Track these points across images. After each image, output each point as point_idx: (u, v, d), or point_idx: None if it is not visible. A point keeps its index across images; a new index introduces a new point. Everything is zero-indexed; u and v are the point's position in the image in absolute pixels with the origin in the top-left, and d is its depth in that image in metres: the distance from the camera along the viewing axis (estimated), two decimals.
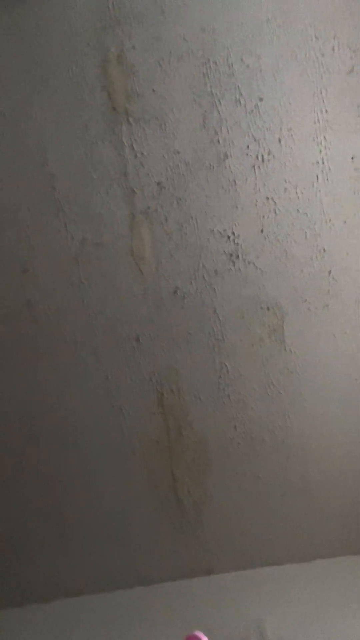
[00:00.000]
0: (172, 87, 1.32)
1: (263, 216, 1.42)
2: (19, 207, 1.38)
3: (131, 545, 1.70)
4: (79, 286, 1.44)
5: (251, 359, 1.54)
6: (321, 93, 1.35)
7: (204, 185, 1.39)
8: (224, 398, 1.57)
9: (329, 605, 1.59)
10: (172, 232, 1.42)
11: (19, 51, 1.29)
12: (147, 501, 1.66)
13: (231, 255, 1.45)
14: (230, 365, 1.54)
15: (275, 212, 1.42)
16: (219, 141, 1.36)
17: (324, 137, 1.38)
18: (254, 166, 1.38)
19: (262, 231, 1.43)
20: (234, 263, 1.45)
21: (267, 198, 1.41)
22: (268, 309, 1.50)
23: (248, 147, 1.37)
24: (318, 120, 1.36)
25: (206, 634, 1.52)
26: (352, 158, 1.40)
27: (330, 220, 1.44)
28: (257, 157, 1.38)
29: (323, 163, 1.39)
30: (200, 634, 1.22)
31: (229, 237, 1.43)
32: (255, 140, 1.37)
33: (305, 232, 1.44)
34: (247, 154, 1.37)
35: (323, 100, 1.35)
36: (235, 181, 1.39)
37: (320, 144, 1.38)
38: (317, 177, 1.40)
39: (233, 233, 1.43)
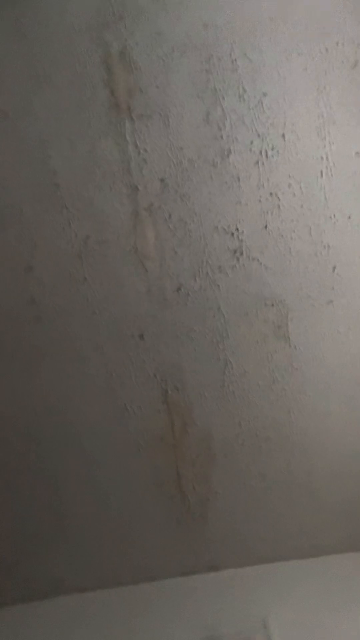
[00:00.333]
0: (175, 83, 1.32)
1: (267, 212, 1.42)
2: (22, 205, 1.38)
3: (135, 542, 1.70)
4: (83, 283, 1.44)
5: (255, 355, 1.53)
6: (325, 88, 1.34)
7: (207, 181, 1.38)
8: (228, 395, 1.57)
9: (333, 601, 1.59)
10: (175, 229, 1.42)
11: (20, 48, 1.29)
12: (152, 498, 1.66)
13: (235, 251, 1.44)
14: (235, 362, 1.54)
15: (279, 208, 1.42)
16: (222, 137, 1.36)
17: (328, 132, 1.37)
18: (257, 162, 1.38)
19: (266, 227, 1.43)
20: (237, 259, 1.45)
21: (271, 194, 1.40)
22: (272, 305, 1.50)
23: (252, 142, 1.36)
24: (322, 116, 1.36)
25: (211, 630, 1.52)
26: (357, 153, 1.39)
27: (334, 215, 1.43)
28: (260, 152, 1.37)
29: (327, 158, 1.39)
30: None
31: (232, 234, 1.43)
32: (258, 136, 1.36)
33: (310, 228, 1.44)
34: (250, 150, 1.37)
35: (327, 96, 1.35)
36: (238, 177, 1.39)
37: (324, 139, 1.37)
38: (321, 172, 1.40)
39: (237, 229, 1.43)
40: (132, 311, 1.47)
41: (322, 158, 1.39)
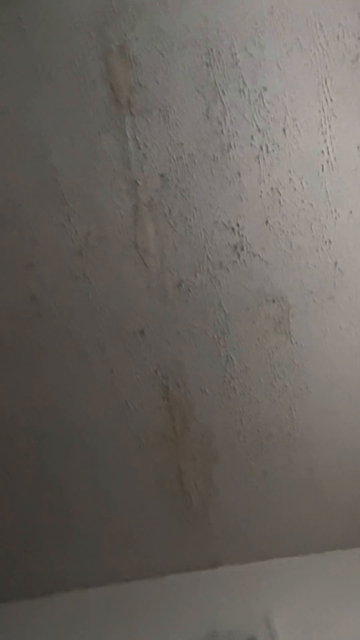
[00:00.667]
0: (175, 78, 1.31)
1: (268, 207, 1.41)
2: (22, 201, 1.37)
3: (137, 539, 1.70)
4: (83, 280, 1.44)
5: (257, 351, 1.53)
6: (326, 82, 1.33)
7: (208, 176, 1.38)
8: (229, 391, 1.57)
9: (336, 597, 1.59)
10: (176, 225, 1.41)
11: (20, 45, 1.28)
12: (153, 495, 1.66)
13: (236, 247, 1.44)
14: (236, 358, 1.53)
15: (280, 203, 1.41)
16: (222, 132, 1.35)
17: (329, 127, 1.36)
18: (258, 157, 1.37)
19: (267, 222, 1.42)
20: (238, 255, 1.44)
21: (272, 189, 1.40)
22: (273, 301, 1.49)
23: (252, 137, 1.36)
24: (323, 110, 1.35)
25: (213, 626, 1.52)
26: (358, 147, 1.38)
27: (335, 210, 1.42)
28: (261, 147, 1.37)
29: (328, 153, 1.38)
30: None
31: (233, 229, 1.42)
32: (259, 130, 1.35)
33: (311, 223, 1.43)
34: (251, 145, 1.36)
35: (328, 90, 1.34)
36: (239, 172, 1.38)
37: (325, 133, 1.36)
38: (322, 167, 1.39)
39: (238, 225, 1.42)
40: (133, 307, 1.47)
41: (323, 152, 1.38)
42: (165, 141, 1.35)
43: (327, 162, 1.38)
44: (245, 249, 1.44)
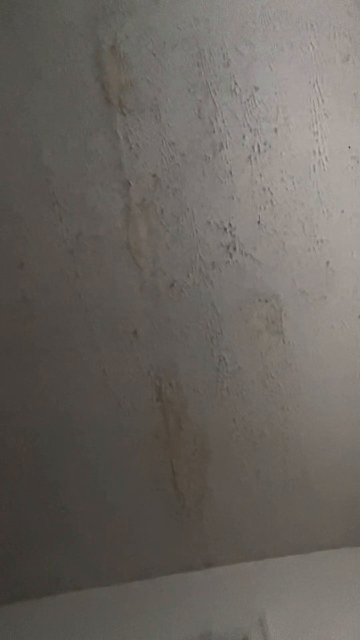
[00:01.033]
0: (167, 78, 1.31)
1: (260, 207, 1.41)
2: (14, 201, 1.37)
3: (131, 539, 1.70)
4: (75, 280, 1.43)
5: (249, 351, 1.53)
6: (317, 82, 1.34)
7: (199, 176, 1.38)
8: (222, 391, 1.56)
9: (329, 597, 1.59)
10: (168, 225, 1.41)
11: (11, 43, 1.27)
12: (147, 495, 1.65)
13: (228, 247, 1.44)
14: (229, 358, 1.53)
15: (272, 203, 1.41)
16: (214, 132, 1.35)
17: (321, 127, 1.36)
18: (250, 157, 1.37)
19: (259, 222, 1.42)
20: (231, 255, 1.44)
21: (264, 189, 1.40)
22: (266, 301, 1.49)
23: (244, 137, 1.36)
24: (314, 110, 1.35)
25: (207, 626, 1.52)
26: (349, 147, 1.38)
27: (327, 210, 1.43)
28: (253, 147, 1.37)
29: (320, 153, 1.38)
30: None
31: (225, 229, 1.42)
32: (251, 130, 1.35)
33: (303, 223, 1.43)
34: (243, 144, 1.36)
35: (319, 89, 1.34)
36: (231, 172, 1.38)
37: (317, 133, 1.36)
38: (314, 167, 1.39)
39: (230, 225, 1.42)
40: (125, 307, 1.47)
41: (314, 152, 1.38)
42: (156, 141, 1.34)
43: (319, 162, 1.39)
44: (237, 249, 1.44)
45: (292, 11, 1.29)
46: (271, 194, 1.40)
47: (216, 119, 1.34)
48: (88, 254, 1.42)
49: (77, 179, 1.36)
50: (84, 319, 1.47)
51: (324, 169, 1.39)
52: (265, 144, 1.36)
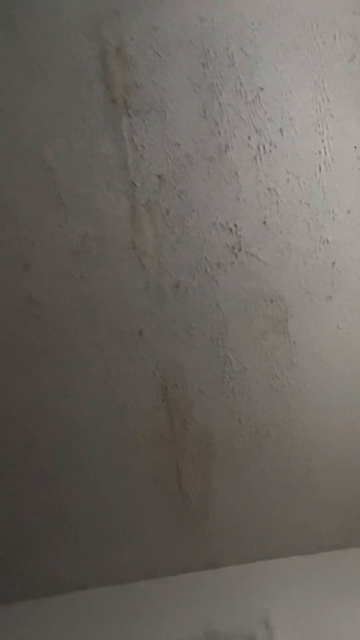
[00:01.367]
0: (172, 78, 1.31)
1: (265, 208, 1.41)
2: (19, 202, 1.37)
3: (136, 539, 1.70)
4: (81, 281, 1.44)
5: (255, 352, 1.53)
6: (322, 82, 1.33)
7: (205, 177, 1.38)
8: (228, 391, 1.56)
9: (334, 597, 1.59)
10: (173, 225, 1.41)
11: (16, 44, 1.28)
12: (152, 495, 1.66)
13: (233, 247, 1.44)
14: (234, 359, 1.53)
15: (277, 204, 1.41)
16: (219, 132, 1.35)
17: (326, 127, 1.36)
18: (255, 157, 1.37)
19: (264, 223, 1.42)
20: (236, 255, 1.44)
21: (269, 189, 1.40)
22: (271, 301, 1.49)
23: (249, 138, 1.36)
24: (320, 110, 1.35)
25: (211, 627, 1.52)
26: (355, 147, 1.38)
27: (333, 210, 1.42)
28: (258, 148, 1.36)
29: (325, 153, 1.38)
30: None
31: (231, 230, 1.42)
32: (256, 130, 1.35)
33: (308, 223, 1.43)
34: (248, 145, 1.36)
35: (324, 89, 1.34)
36: (236, 173, 1.38)
37: (322, 133, 1.36)
38: (320, 167, 1.39)
39: (235, 225, 1.42)
40: (131, 308, 1.47)
41: (320, 152, 1.38)
42: (162, 142, 1.34)
43: (324, 162, 1.38)
44: (243, 249, 1.44)
45: (296, 12, 1.29)
46: (277, 194, 1.40)
47: (221, 120, 1.34)
48: (94, 254, 1.42)
49: (82, 180, 1.36)
50: (90, 319, 1.47)
51: (330, 170, 1.39)
52: (270, 144, 1.36)
